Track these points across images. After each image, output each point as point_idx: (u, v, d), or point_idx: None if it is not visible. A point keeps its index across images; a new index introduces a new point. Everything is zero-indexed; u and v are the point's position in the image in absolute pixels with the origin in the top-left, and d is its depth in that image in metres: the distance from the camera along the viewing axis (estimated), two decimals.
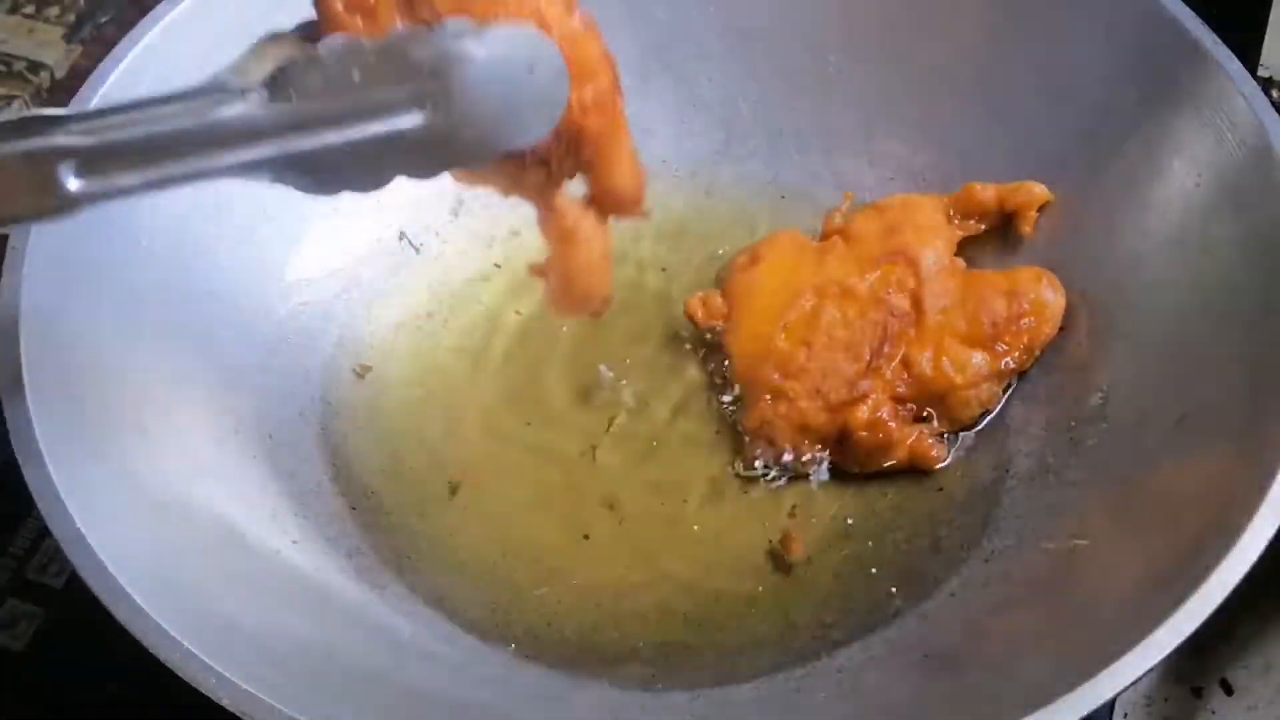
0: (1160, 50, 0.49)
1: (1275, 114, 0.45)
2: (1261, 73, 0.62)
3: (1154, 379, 0.47)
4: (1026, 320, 0.50)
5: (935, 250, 0.52)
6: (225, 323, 0.50)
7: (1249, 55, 0.61)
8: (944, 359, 0.50)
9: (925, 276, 0.51)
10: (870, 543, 0.49)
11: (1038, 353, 0.51)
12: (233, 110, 0.33)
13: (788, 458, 0.50)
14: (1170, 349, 0.47)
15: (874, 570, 0.48)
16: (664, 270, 0.57)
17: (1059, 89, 0.52)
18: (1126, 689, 0.36)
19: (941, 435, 0.50)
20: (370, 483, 0.50)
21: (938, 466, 0.50)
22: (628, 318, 0.55)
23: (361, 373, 0.51)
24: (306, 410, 0.52)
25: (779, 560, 0.49)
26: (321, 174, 0.34)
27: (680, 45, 0.58)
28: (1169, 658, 0.36)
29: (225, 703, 0.35)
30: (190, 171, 0.33)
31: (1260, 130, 0.45)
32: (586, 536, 0.49)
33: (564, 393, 0.53)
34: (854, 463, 0.50)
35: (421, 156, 0.35)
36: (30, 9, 0.69)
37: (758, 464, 0.50)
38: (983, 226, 0.54)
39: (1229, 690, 0.49)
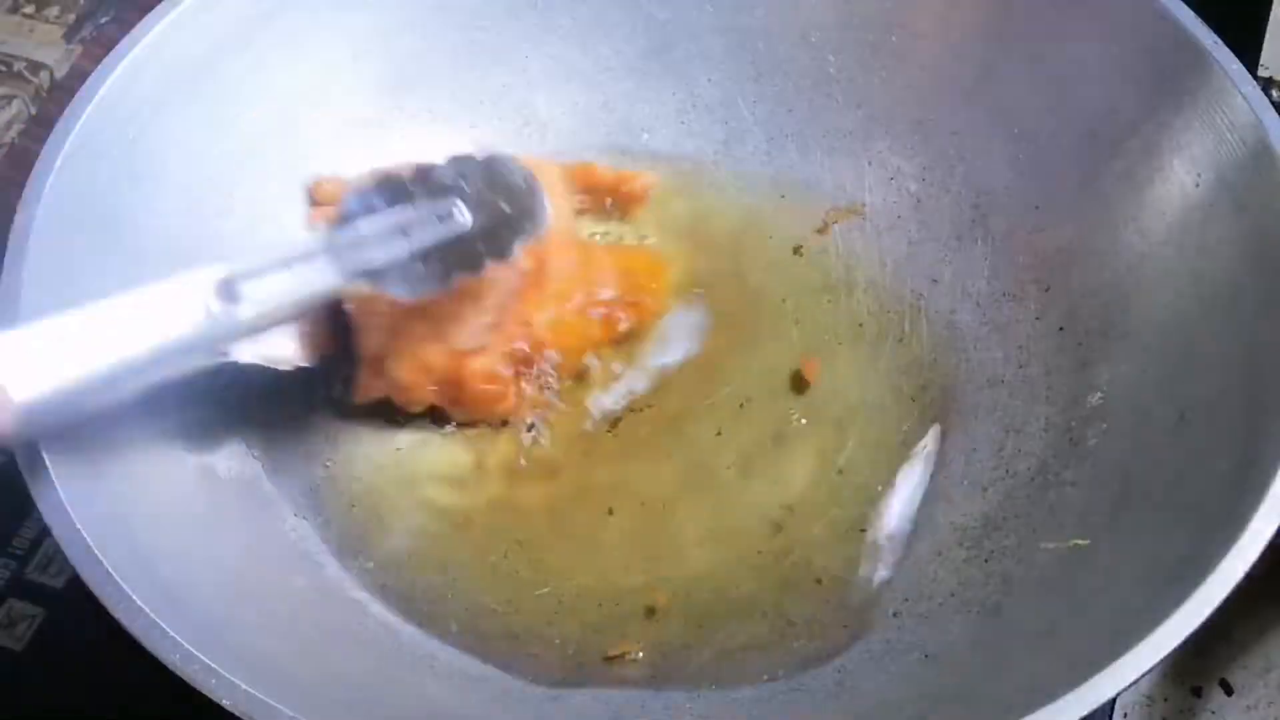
0: (1160, 50, 0.49)
1: (1275, 114, 0.45)
2: (1261, 73, 0.62)
3: (1154, 379, 0.47)
4: (637, 299, 0.53)
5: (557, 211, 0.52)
6: None
7: (1249, 55, 0.61)
8: (560, 321, 0.51)
9: (547, 241, 0.51)
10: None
11: (649, 323, 0.53)
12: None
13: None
14: (1170, 349, 0.47)
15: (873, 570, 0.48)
16: None
17: (1059, 89, 0.52)
18: (1126, 689, 0.36)
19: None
20: (369, 482, 0.50)
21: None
22: None
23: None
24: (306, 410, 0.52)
25: (799, 382, 0.52)
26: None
27: (680, 45, 0.58)
28: (1169, 658, 0.36)
29: (225, 703, 0.35)
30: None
31: (1260, 130, 0.45)
32: (587, 537, 0.49)
33: (563, 393, 0.53)
34: (464, 412, 0.51)
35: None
36: (30, 9, 0.69)
37: None
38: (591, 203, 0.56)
39: (1229, 690, 0.49)
